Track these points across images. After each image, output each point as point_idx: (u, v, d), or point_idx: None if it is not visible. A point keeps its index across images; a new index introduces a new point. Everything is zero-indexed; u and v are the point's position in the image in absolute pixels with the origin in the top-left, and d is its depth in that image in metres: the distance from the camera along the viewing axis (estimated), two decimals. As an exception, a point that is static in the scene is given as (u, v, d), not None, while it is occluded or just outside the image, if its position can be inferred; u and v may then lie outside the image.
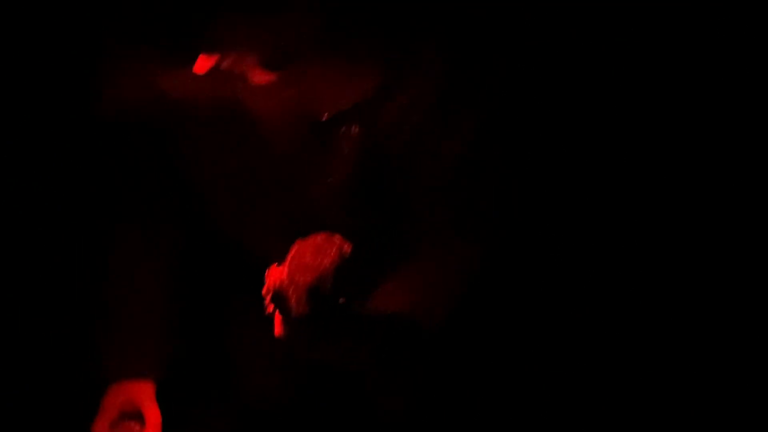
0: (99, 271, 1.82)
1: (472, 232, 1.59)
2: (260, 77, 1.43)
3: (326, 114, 1.51)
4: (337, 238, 1.40)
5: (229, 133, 1.57)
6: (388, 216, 1.60)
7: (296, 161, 1.56)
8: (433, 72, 1.50)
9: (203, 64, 1.39)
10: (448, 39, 1.53)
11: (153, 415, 1.74)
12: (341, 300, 1.38)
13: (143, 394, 1.75)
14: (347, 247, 1.39)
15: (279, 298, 1.38)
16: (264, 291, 1.39)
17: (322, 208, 1.58)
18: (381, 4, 1.47)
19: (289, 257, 1.38)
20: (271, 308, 1.40)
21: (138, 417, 1.76)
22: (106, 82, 1.64)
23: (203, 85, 1.47)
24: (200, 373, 1.92)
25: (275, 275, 1.38)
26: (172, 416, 1.80)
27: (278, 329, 1.39)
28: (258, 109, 1.51)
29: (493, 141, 1.59)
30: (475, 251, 1.62)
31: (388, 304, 1.52)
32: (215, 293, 1.93)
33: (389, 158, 1.53)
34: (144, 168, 1.75)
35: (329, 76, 1.47)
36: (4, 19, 2.04)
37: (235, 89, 1.49)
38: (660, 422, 1.99)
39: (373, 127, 1.50)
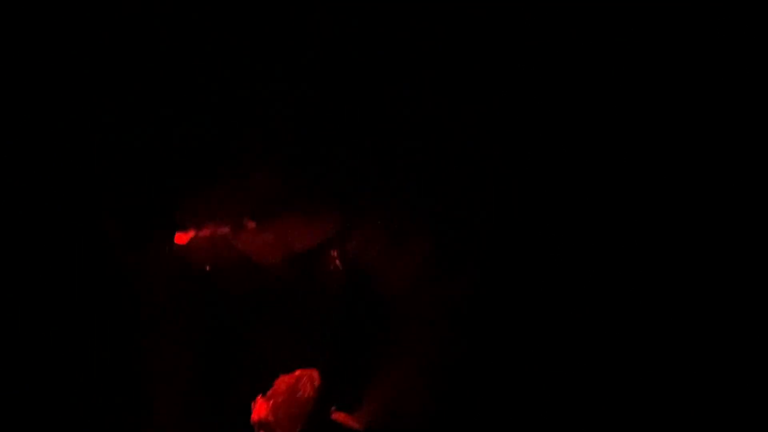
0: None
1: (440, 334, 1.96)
2: (239, 232, 1.87)
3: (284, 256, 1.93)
4: (313, 373, 1.81)
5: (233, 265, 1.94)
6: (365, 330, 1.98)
7: (285, 289, 1.96)
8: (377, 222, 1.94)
9: (181, 237, 1.66)
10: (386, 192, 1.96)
11: None
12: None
13: None
14: (318, 381, 1.82)
15: (265, 428, 1.64)
16: (252, 420, 1.79)
17: (310, 325, 1.94)
18: (329, 172, 1.94)
19: (270, 392, 1.80)
20: None
21: None
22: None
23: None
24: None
25: (260, 409, 1.78)
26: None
27: None
28: (247, 250, 1.87)
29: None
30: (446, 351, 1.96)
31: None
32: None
33: (358, 284, 1.90)
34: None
35: (295, 223, 1.84)
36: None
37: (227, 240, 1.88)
38: (659, 422, 2.05)
39: (341, 260, 1.86)
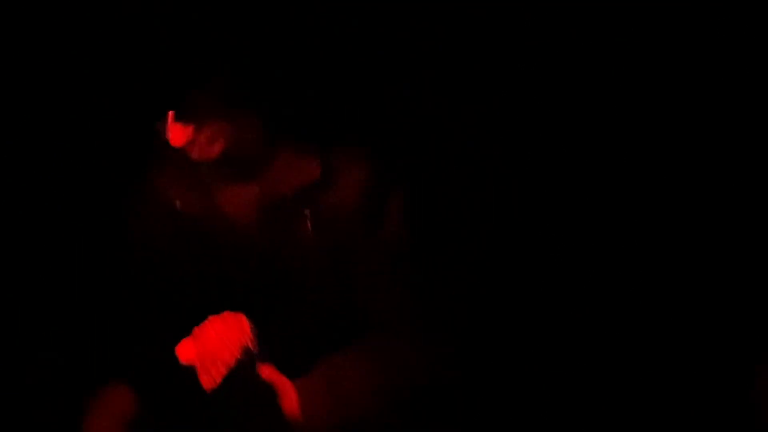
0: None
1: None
2: (228, 180, 1.80)
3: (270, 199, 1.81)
4: (241, 317, 1.69)
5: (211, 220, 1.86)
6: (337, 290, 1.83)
7: (261, 242, 1.83)
8: (356, 170, 1.82)
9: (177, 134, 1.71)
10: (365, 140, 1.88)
11: None
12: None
13: None
14: (247, 325, 1.69)
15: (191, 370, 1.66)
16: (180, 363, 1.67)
17: (289, 274, 1.83)
18: (310, 116, 1.83)
19: (197, 332, 1.68)
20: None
21: None
22: None
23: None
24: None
25: (185, 351, 1.67)
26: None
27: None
28: (229, 204, 1.82)
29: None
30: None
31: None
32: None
33: (334, 234, 1.80)
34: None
35: (277, 171, 1.79)
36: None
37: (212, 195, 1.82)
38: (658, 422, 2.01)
39: (318, 208, 1.80)
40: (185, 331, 1.72)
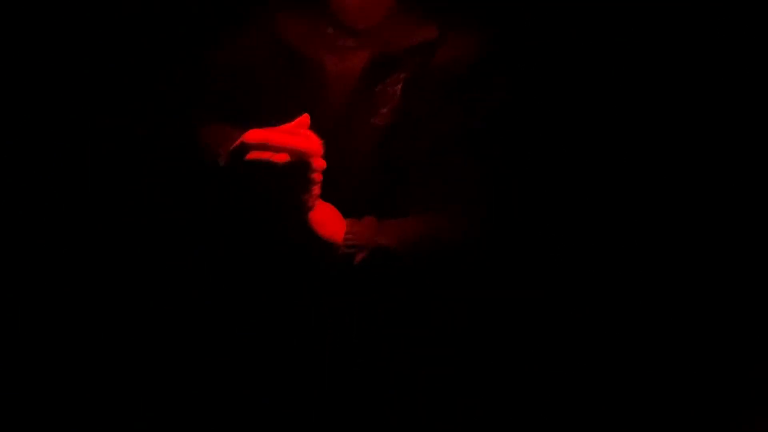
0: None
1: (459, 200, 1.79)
2: (343, 41, 1.82)
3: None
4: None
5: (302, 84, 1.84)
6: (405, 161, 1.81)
7: (353, 107, 1.82)
8: (476, 41, 1.80)
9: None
10: (488, 18, 1.84)
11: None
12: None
13: None
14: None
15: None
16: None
17: (364, 143, 1.81)
18: None
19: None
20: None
21: None
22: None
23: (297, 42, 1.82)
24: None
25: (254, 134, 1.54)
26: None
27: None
28: (334, 69, 1.81)
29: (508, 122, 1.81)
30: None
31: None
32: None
33: (428, 103, 1.79)
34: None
35: (397, 33, 1.80)
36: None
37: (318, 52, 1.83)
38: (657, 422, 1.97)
39: (423, 70, 1.78)
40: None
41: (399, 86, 1.79)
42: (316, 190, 1.60)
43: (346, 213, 1.71)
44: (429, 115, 1.78)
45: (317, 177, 1.57)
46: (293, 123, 1.56)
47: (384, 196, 1.78)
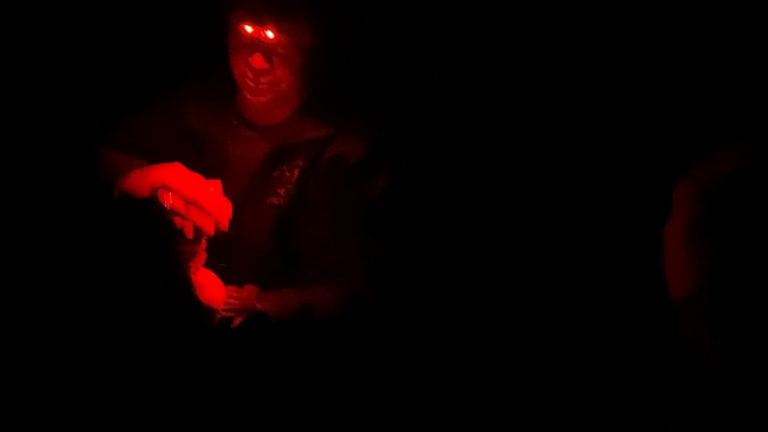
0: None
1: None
2: (246, 132, 2.04)
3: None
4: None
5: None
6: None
7: (252, 187, 2.03)
8: (362, 139, 2.02)
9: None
10: (373, 121, 2.08)
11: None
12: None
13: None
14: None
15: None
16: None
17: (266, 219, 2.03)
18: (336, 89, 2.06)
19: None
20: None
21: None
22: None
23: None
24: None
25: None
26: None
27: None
28: (236, 154, 2.04)
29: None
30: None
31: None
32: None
33: (318, 188, 2.01)
34: None
35: (295, 130, 2.03)
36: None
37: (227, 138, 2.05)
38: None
39: (315, 164, 2.01)
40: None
41: (296, 171, 2.01)
42: (202, 256, 1.81)
43: (239, 282, 1.91)
44: (319, 198, 2.00)
45: (203, 245, 1.79)
46: (207, 181, 1.77)
47: (276, 269, 1.99)
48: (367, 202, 1.97)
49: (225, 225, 1.77)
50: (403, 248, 2.01)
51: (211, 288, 1.83)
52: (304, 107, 2.03)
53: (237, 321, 1.83)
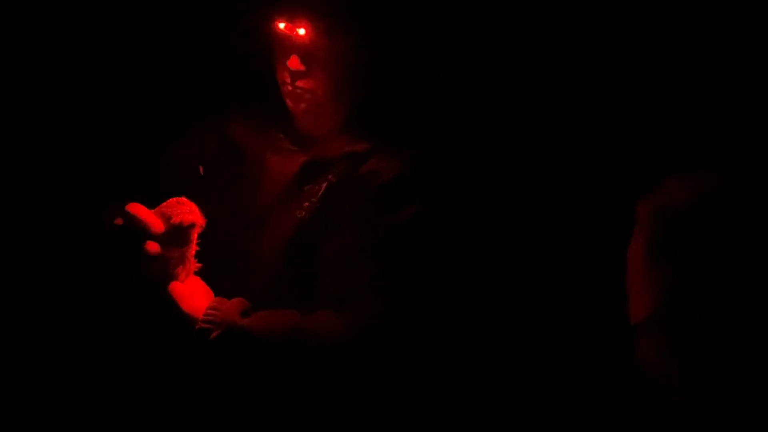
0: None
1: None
2: (286, 144, 2.03)
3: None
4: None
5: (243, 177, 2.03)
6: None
7: (282, 200, 1.97)
8: (400, 159, 1.92)
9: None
10: (413, 141, 1.96)
11: None
12: None
13: None
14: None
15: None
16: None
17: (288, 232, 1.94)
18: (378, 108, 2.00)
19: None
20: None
21: None
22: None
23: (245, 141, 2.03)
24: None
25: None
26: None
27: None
28: (273, 167, 2.00)
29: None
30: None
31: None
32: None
33: (343, 205, 1.92)
34: None
35: (334, 145, 1.98)
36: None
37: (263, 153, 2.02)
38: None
39: (346, 179, 1.93)
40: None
41: (324, 185, 1.93)
42: (191, 263, 1.78)
43: (248, 296, 1.82)
44: (341, 216, 1.90)
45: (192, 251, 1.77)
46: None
47: (287, 286, 1.89)
48: (393, 228, 1.85)
49: (201, 220, 1.76)
50: (421, 284, 1.87)
51: (195, 297, 1.76)
52: (347, 122, 1.98)
53: (214, 333, 1.73)
